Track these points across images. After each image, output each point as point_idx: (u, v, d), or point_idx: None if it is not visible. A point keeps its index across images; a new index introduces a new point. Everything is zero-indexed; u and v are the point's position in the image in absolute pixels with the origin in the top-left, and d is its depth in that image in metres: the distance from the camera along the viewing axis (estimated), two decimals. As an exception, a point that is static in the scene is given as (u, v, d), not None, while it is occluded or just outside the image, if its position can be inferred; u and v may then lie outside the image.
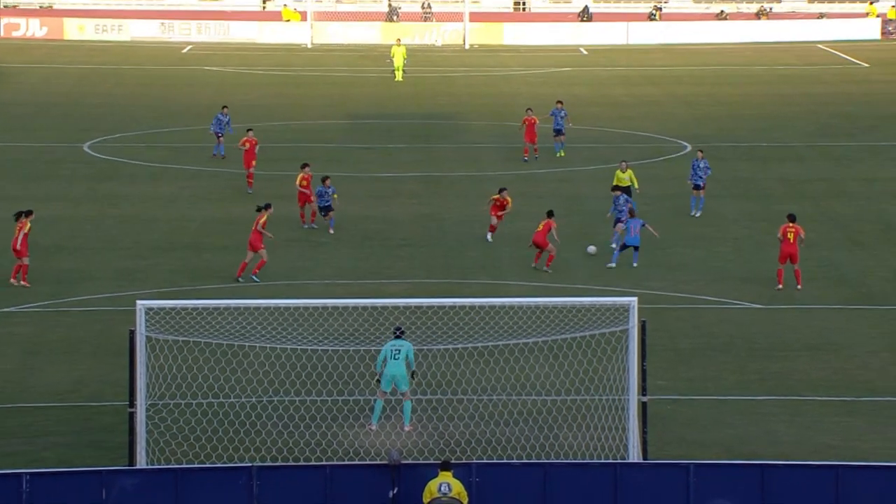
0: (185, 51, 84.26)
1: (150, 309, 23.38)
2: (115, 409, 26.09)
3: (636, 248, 36.55)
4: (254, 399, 26.54)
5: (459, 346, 27.73)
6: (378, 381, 25.69)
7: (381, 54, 79.07)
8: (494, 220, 39.15)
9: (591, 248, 37.12)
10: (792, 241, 34.89)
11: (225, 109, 51.60)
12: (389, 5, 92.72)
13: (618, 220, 38.16)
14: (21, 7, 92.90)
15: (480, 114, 61.93)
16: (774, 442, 25.48)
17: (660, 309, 32.75)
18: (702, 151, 43.24)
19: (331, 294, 34.17)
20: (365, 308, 27.91)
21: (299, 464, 23.59)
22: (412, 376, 25.77)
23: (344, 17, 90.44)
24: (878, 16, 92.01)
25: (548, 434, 25.21)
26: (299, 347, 27.33)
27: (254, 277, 35.06)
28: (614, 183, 41.98)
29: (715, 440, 25.50)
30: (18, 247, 34.77)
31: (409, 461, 22.94)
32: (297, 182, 41.22)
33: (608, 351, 25.42)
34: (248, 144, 45.89)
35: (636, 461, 23.13)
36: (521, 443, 24.84)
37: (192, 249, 39.33)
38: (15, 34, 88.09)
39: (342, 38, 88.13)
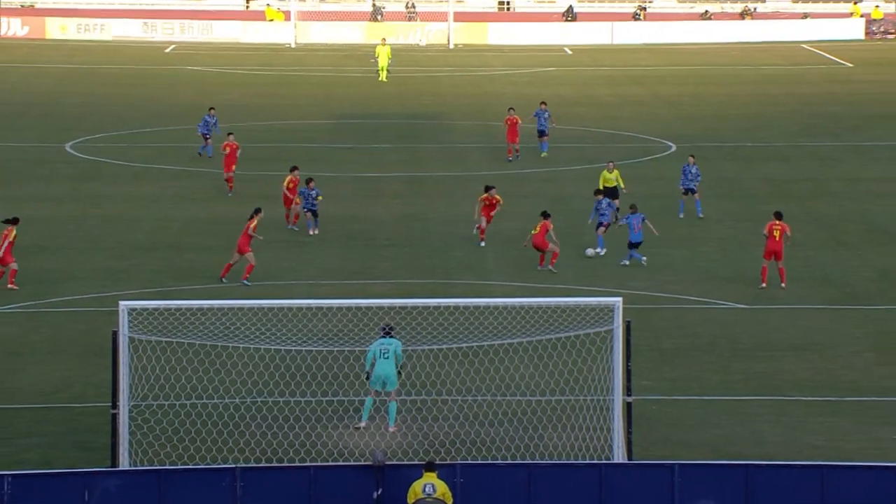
0: (167, 50, 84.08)
1: (133, 309, 23.27)
2: (99, 409, 25.95)
3: (638, 244, 36.43)
4: (237, 400, 26.43)
5: (444, 346, 27.67)
6: (367, 378, 25.62)
7: (365, 54, 78.99)
8: (484, 223, 38.85)
9: (590, 251, 37.06)
10: (778, 238, 34.90)
11: (212, 111, 51.41)
12: (373, 5, 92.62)
13: (600, 224, 38.02)
14: (2, 6, 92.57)
15: (465, 114, 61.88)
16: (759, 442, 25.47)
17: (644, 309, 32.72)
18: (693, 157, 43.19)
19: (315, 294, 34.08)
20: (349, 308, 27.83)
21: (283, 465, 23.51)
22: (400, 373, 25.70)
23: (328, 17, 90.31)
24: (862, 16, 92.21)
25: (532, 434, 25.16)
26: (283, 348, 27.23)
27: (244, 282, 34.96)
28: (601, 183, 41.96)
29: (700, 440, 25.48)
30: (1, 254, 34.56)
31: (394, 462, 22.87)
32: (285, 184, 41.08)
33: (593, 351, 25.38)
34: (227, 149, 45.60)
35: (621, 461, 23.09)
36: (505, 443, 24.78)
37: (175, 249, 39.21)
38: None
39: (326, 38, 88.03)
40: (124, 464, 22.86)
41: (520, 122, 50.79)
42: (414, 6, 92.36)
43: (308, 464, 23.20)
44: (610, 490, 22.00)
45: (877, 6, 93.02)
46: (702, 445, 25.17)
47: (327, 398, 26.67)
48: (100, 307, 32.91)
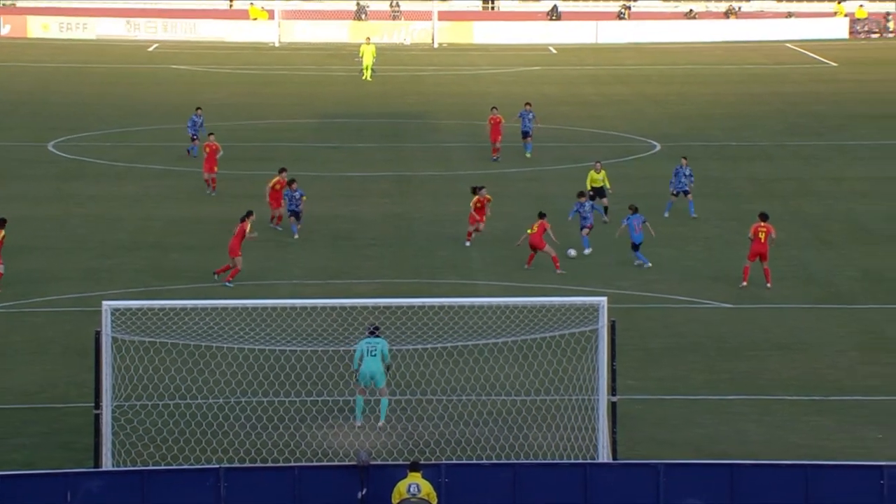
0: (151, 49, 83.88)
1: (117, 310, 23.18)
2: (82, 410, 25.85)
3: (639, 245, 36.38)
4: (221, 400, 26.35)
5: (429, 346, 27.62)
6: (356, 378, 25.58)
7: (349, 53, 78.89)
8: (481, 227, 38.42)
9: (572, 252, 37.00)
10: (763, 240, 34.91)
11: (199, 110, 51.20)
12: (358, 4, 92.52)
13: (583, 227, 37.90)
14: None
15: (450, 113, 61.84)
16: (744, 441, 25.47)
17: (630, 308, 32.71)
18: (685, 158, 43.15)
19: (300, 294, 34.01)
20: (334, 308, 27.76)
21: (267, 465, 23.45)
22: (387, 370, 25.66)
23: (312, 16, 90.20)
24: (846, 15, 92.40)
25: (517, 434, 25.13)
26: (267, 348, 27.16)
27: (225, 282, 34.83)
28: (589, 183, 41.94)
29: (685, 440, 25.46)
30: None
31: (378, 462, 22.81)
32: (271, 184, 40.90)
33: (578, 351, 25.36)
34: (207, 150, 45.33)
35: (606, 461, 23.07)
36: (490, 443, 24.74)
37: (158, 249, 39.09)
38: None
39: (310, 37, 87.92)
40: (107, 464, 22.76)
41: (503, 121, 50.76)
42: (398, 5, 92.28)
43: (292, 464, 23.14)
44: (595, 490, 21.97)
45: (861, 5, 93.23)
46: (686, 445, 25.16)
47: (311, 398, 26.60)
48: (83, 307, 32.79)
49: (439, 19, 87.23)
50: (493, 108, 51.77)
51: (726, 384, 28.66)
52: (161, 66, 76.77)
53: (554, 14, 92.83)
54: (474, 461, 23.49)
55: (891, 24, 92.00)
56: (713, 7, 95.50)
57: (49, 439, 25.37)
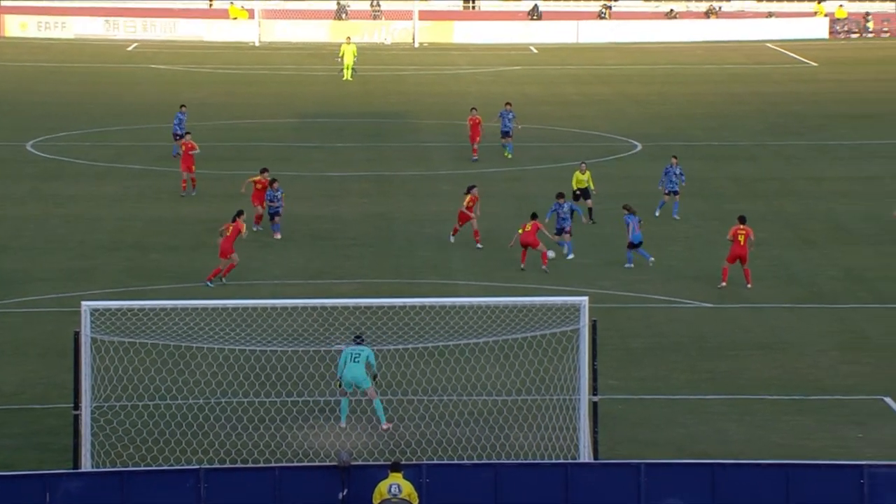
0: (130, 49, 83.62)
1: (96, 310, 23.07)
2: (61, 411, 25.72)
3: (640, 244, 36.32)
4: (202, 401, 26.24)
5: (410, 346, 27.57)
6: (340, 385, 25.53)
7: (330, 52, 78.77)
8: (459, 225, 38.31)
9: (550, 253, 36.93)
10: (742, 242, 34.94)
11: (183, 108, 50.97)
12: (338, 3, 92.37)
13: (561, 230, 37.69)
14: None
15: (431, 112, 61.78)
16: (725, 441, 25.48)
17: (611, 308, 32.70)
18: (676, 157, 43.12)
19: (280, 294, 33.92)
20: (315, 308, 27.68)
21: (248, 465, 23.36)
22: (374, 379, 25.63)
23: (292, 15, 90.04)
24: (826, 15, 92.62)
25: (498, 434, 25.09)
26: (248, 348, 27.07)
27: (208, 283, 34.73)
28: (574, 184, 41.92)
29: (666, 440, 25.45)
30: None
31: (359, 462, 22.74)
32: (251, 180, 40.74)
33: (559, 351, 25.32)
34: (183, 148, 45.12)
35: (587, 461, 23.05)
36: (471, 443, 24.70)
37: (138, 249, 38.95)
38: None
39: (290, 36, 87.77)
40: (87, 465, 22.65)
41: (482, 121, 50.71)
42: (379, 4, 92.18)
43: (273, 464, 23.06)
44: (576, 490, 21.95)
45: (841, 5, 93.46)
46: (668, 445, 25.15)
47: (292, 398, 26.52)
48: (62, 308, 32.63)
49: (420, 19, 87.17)
50: (473, 108, 51.72)
51: (707, 384, 28.66)
52: (140, 65, 76.53)
53: (535, 14, 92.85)
54: (455, 461, 23.45)
55: (870, 24, 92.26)
56: (694, 7, 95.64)
57: (28, 440, 25.24)
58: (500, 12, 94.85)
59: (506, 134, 51.35)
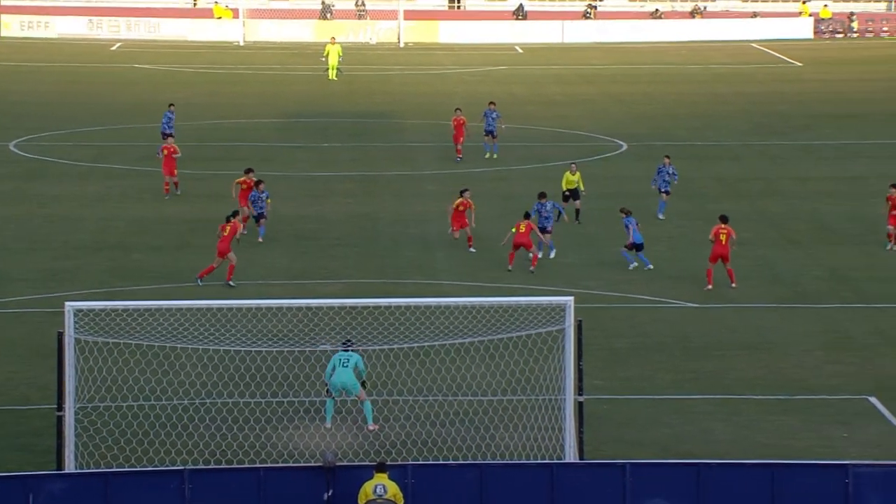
0: (113, 48, 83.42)
1: (80, 310, 22.97)
2: (44, 412, 25.61)
3: (641, 246, 36.25)
4: (186, 401, 26.15)
5: (395, 346, 27.51)
6: (327, 390, 25.46)
7: (314, 52, 78.69)
8: (468, 230, 37.85)
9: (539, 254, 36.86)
10: (724, 242, 34.96)
11: (172, 107, 50.76)
12: (323, 3, 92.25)
13: (543, 229, 37.57)
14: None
15: (416, 112, 61.73)
16: (710, 441, 25.47)
17: (596, 308, 32.68)
18: (668, 157, 43.09)
19: (265, 294, 33.83)
20: (299, 308, 27.61)
21: (232, 466, 23.29)
22: (363, 386, 25.57)
23: (277, 15, 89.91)
24: (810, 15, 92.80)
25: (484, 434, 25.05)
26: (232, 349, 26.98)
27: (199, 281, 34.66)
28: (564, 184, 41.90)
29: (651, 439, 25.44)
30: None
31: (345, 463, 22.68)
32: (237, 181, 40.61)
33: (544, 351, 25.29)
34: (165, 151, 44.78)
35: (572, 461, 23.02)
36: (457, 443, 24.66)
37: (121, 249, 38.83)
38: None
39: (275, 36, 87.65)
40: (70, 467, 22.55)
41: (466, 122, 50.64)
42: (364, 4, 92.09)
43: (258, 465, 22.99)
44: (561, 490, 21.92)
45: (825, 5, 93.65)
46: (653, 445, 25.14)
47: (277, 399, 26.44)
48: (45, 308, 32.50)
49: (405, 18, 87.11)
50: (457, 108, 51.68)
51: (692, 384, 28.66)
52: (124, 65, 76.35)
53: (520, 13, 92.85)
54: (441, 462, 23.40)
55: (855, 24, 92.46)
56: (679, 7, 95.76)
57: (11, 442, 25.12)
58: (485, 12, 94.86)
59: (490, 133, 51.28)
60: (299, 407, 26.17)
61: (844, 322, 32.94)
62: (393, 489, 21.39)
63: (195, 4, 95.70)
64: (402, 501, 21.47)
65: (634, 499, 21.90)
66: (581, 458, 23.14)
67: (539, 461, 23.20)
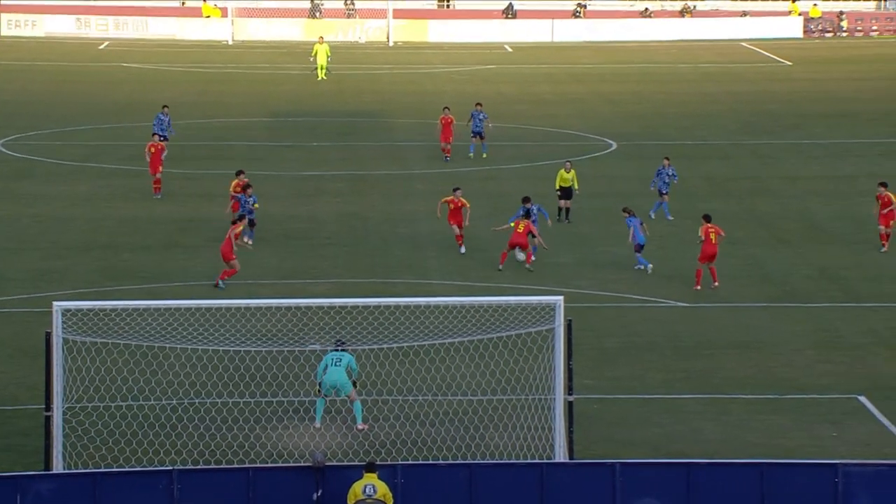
0: (102, 47, 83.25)
1: (68, 310, 22.89)
2: (32, 412, 25.52)
3: (642, 246, 36.20)
4: (175, 401, 26.08)
5: (385, 346, 27.46)
6: (319, 390, 25.40)
7: (303, 51, 78.57)
8: (457, 230, 37.69)
9: (521, 255, 36.86)
10: (714, 241, 34.96)
11: (165, 109, 50.61)
12: (312, 2, 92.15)
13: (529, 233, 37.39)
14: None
15: (405, 112, 61.67)
16: (700, 440, 25.45)
17: (586, 308, 32.65)
18: (668, 159, 43.04)
19: (254, 294, 33.76)
20: (289, 308, 27.54)
21: (221, 466, 23.22)
22: (354, 385, 25.51)
23: (266, 14, 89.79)
24: (800, 14, 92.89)
25: (474, 434, 25.01)
26: (221, 348, 26.91)
27: (219, 281, 34.46)
28: (558, 183, 41.85)
29: (641, 439, 25.41)
30: None
31: (334, 463, 22.63)
32: (231, 189, 40.45)
33: (534, 350, 25.25)
34: (153, 150, 44.58)
35: (562, 461, 22.99)
36: (446, 443, 24.61)
37: (110, 249, 38.73)
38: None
39: (264, 35, 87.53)
40: (58, 467, 22.47)
41: (454, 121, 50.58)
42: (353, 3, 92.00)
43: (247, 465, 22.93)
44: (551, 489, 21.89)
45: (815, 4, 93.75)
46: (643, 444, 25.11)
47: (266, 399, 26.38)
48: (33, 308, 32.41)
49: (394, 17, 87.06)
50: (445, 108, 51.61)
51: (682, 383, 28.64)
52: (112, 64, 76.19)
53: (509, 12, 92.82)
54: (430, 461, 23.36)
55: (845, 24, 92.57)
56: (668, 5, 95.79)
57: (-1, 442, 25.03)
58: (474, 11, 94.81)
59: (477, 134, 51.19)
60: (288, 407, 26.11)
61: (834, 321, 32.94)
62: (382, 489, 21.34)
63: (184, 3, 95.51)
64: (392, 501, 21.43)
65: (624, 498, 21.87)
66: (571, 458, 23.11)
67: (529, 461, 23.16)
